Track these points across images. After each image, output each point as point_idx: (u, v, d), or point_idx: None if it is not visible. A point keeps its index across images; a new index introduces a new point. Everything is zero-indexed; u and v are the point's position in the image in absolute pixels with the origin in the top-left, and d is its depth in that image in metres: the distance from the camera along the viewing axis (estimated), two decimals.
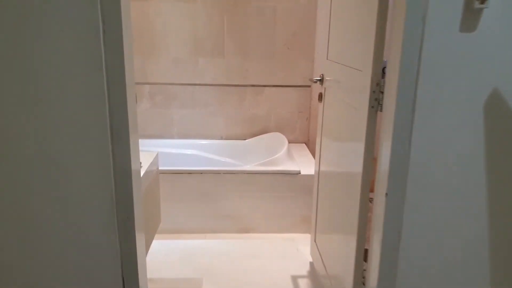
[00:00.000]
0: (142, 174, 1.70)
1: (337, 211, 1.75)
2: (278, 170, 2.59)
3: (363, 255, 1.47)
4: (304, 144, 3.25)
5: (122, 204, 1.26)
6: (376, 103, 1.31)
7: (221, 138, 3.25)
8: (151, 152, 1.95)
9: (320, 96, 2.05)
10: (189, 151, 3.17)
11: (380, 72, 1.30)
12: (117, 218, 1.27)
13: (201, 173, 2.58)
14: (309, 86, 3.17)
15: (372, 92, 1.31)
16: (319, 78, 2.04)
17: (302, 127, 3.25)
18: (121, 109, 1.19)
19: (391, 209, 1.24)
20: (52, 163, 1.22)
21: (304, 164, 2.73)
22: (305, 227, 2.68)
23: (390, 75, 1.20)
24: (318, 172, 2.10)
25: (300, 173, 2.59)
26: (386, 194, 1.23)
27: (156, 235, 2.59)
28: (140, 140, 3.11)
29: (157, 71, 3.09)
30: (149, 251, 1.96)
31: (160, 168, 2.57)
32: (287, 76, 3.14)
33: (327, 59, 1.97)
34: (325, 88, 2.00)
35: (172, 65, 3.09)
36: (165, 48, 3.05)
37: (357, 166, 1.43)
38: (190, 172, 2.57)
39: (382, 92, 1.28)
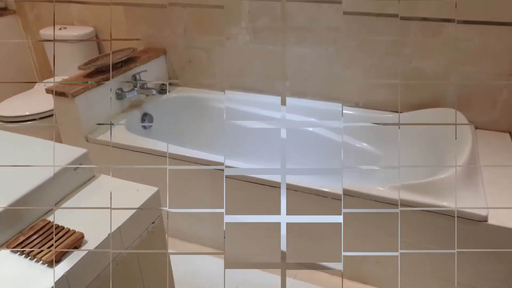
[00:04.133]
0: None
1: None
2: (437, 209, 1.31)
3: None
4: (507, 135, 1.75)
5: None
6: None
7: (357, 106, 1.99)
8: (149, 187, 0.97)
9: None
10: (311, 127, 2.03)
11: None
12: None
13: (295, 190, 1.49)
14: None
15: None
16: None
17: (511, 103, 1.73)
18: None
19: None
20: None
21: (498, 197, 1.36)
22: None
23: None
24: None
25: (486, 221, 1.26)
26: None
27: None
28: (231, 94, 2.12)
29: None
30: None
31: (229, 165, 1.58)
32: (495, 3, 1.59)
33: None
34: None
35: None
36: None
37: None
38: (273, 185, 1.50)
39: None
